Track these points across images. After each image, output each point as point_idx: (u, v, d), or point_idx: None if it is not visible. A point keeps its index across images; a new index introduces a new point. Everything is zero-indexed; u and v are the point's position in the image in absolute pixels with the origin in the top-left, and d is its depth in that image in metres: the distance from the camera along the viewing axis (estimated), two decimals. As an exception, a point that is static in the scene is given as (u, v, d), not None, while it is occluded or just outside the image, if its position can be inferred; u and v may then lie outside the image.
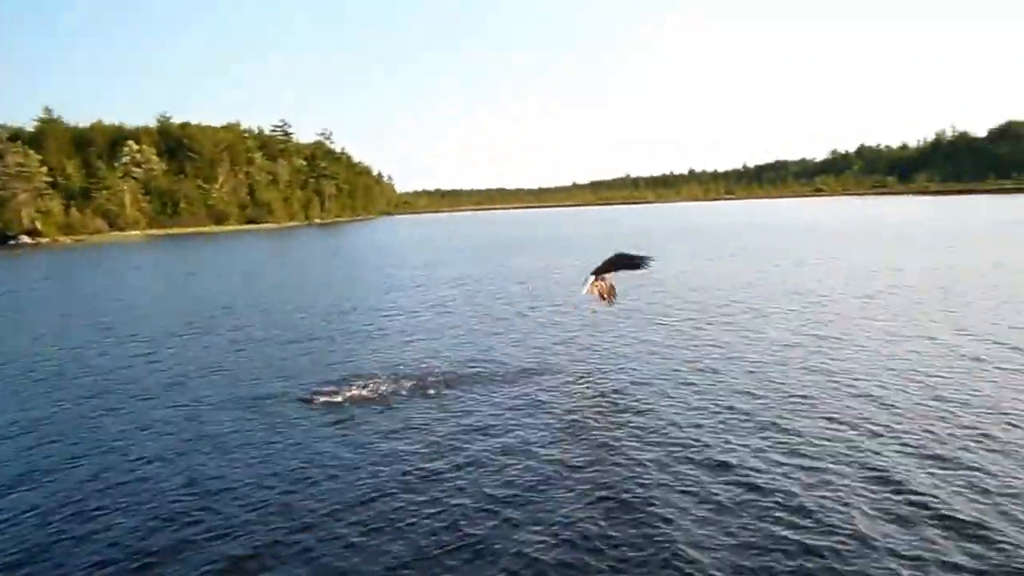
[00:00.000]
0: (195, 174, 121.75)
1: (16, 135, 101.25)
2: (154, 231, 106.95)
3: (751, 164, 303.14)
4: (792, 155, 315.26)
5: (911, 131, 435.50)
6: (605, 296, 13.49)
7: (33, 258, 63.18)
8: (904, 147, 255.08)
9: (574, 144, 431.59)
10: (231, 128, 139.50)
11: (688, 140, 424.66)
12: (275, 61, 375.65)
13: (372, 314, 20.92)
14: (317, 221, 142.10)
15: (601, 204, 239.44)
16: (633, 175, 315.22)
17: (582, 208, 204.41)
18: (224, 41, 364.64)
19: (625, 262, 12.96)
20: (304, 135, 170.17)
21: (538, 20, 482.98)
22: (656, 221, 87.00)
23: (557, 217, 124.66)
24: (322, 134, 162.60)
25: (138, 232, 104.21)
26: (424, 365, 13.57)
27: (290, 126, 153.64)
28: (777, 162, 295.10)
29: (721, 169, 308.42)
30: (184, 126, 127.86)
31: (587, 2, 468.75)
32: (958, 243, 36.30)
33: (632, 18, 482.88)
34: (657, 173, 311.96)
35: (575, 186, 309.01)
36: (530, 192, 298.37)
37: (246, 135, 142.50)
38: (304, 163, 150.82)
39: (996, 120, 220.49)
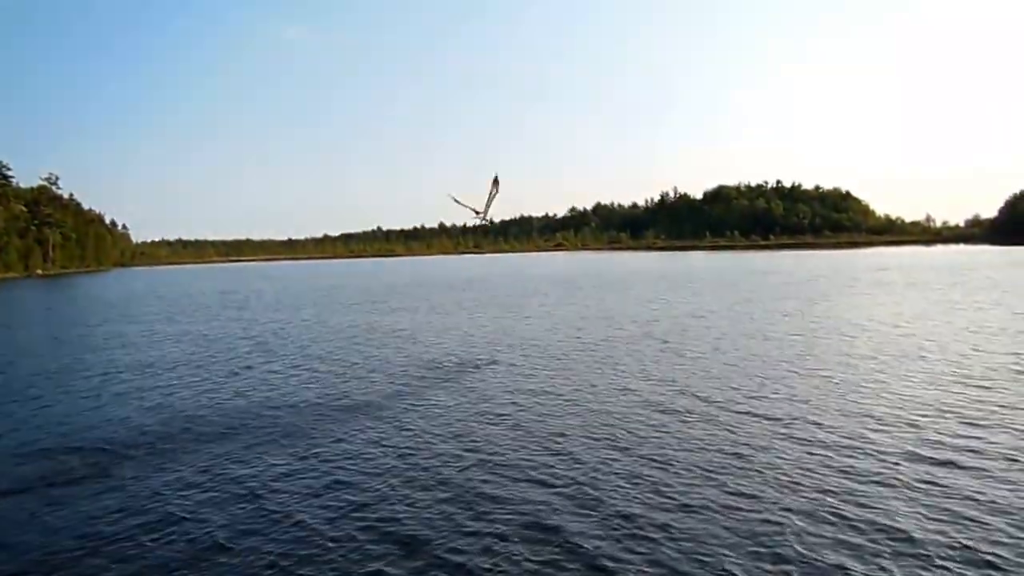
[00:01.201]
0: None
1: None
2: None
3: (498, 219, 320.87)
4: (536, 211, 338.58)
5: (640, 191, 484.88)
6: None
7: None
8: (635, 206, 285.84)
9: (325, 195, 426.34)
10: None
11: (436, 194, 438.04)
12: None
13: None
14: (39, 272, 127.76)
15: (353, 256, 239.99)
16: (384, 227, 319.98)
17: (335, 260, 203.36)
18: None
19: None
20: (26, 179, 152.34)
21: (291, 75, 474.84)
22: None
23: (315, 271, 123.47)
24: (47, 179, 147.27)
25: None
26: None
27: (9, 168, 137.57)
28: (522, 217, 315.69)
29: (469, 223, 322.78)
30: None
31: (345, 65, 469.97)
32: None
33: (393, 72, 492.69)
34: (408, 226, 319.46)
35: (326, 238, 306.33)
36: (280, 243, 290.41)
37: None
38: (24, 209, 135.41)
39: (709, 184, 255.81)
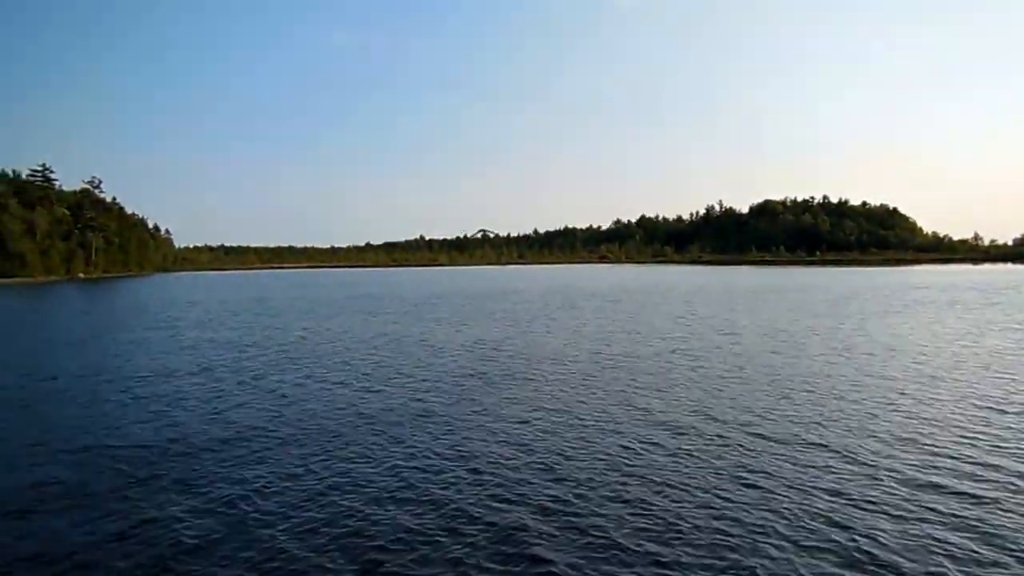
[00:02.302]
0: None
1: None
2: None
3: (542, 230, 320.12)
4: (580, 223, 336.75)
5: (685, 205, 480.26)
6: None
7: None
8: (679, 219, 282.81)
9: (368, 204, 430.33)
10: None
11: (481, 205, 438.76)
12: (36, 101, 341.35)
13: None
14: (81, 276, 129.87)
15: (395, 265, 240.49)
16: (428, 237, 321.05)
17: (378, 269, 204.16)
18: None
19: None
20: (69, 182, 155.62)
21: (341, 83, 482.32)
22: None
23: (362, 278, 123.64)
24: (90, 182, 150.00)
25: None
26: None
27: (52, 171, 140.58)
28: (566, 229, 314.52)
29: (514, 234, 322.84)
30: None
31: (389, 73, 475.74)
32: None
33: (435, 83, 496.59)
34: (451, 236, 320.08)
35: (369, 246, 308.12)
36: (322, 251, 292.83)
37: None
38: (68, 212, 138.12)
39: (755, 199, 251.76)
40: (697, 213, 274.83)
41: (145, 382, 19.98)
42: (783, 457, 11.59)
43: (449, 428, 14.14)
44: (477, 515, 9.34)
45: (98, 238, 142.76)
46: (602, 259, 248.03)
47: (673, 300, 51.80)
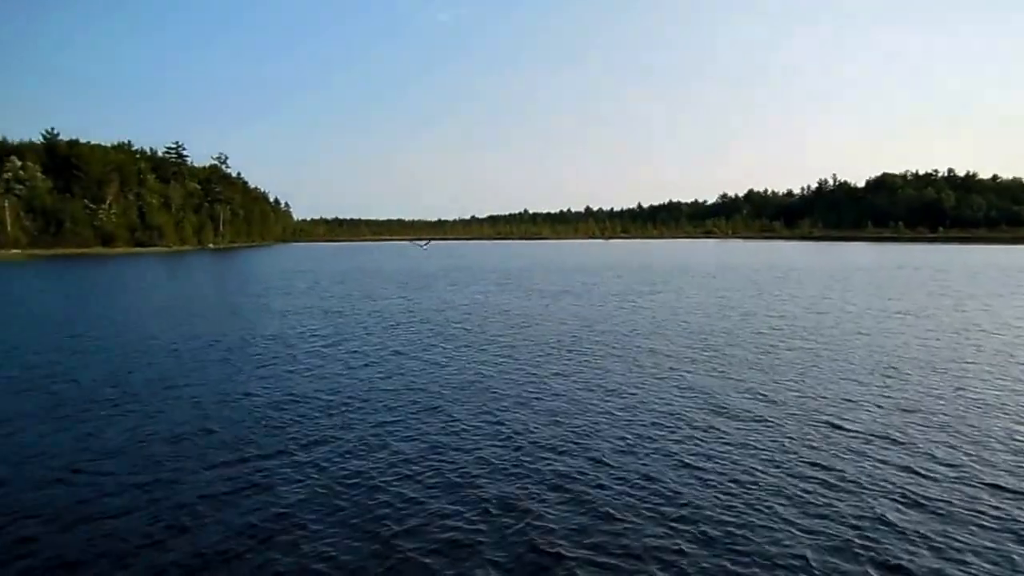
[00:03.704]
0: (82, 194, 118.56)
1: None
2: (36, 251, 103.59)
3: (645, 204, 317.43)
4: (685, 197, 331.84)
5: (796, 179, 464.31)
6: None
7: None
8: (789, 194, 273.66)
9: (473, 178, 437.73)
10: (122, 148, 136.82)
11: (585, 179, 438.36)
12: (172, 81, 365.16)
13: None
14: (211, 246, 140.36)
15: (499, 238, 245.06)
16: (531, 210, 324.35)
17: (489, 242, 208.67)
18: (118, 57, 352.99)
19: None
20: (199, 158, 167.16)
21: (445, 57, 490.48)
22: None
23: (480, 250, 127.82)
24: (218, 158, 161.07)
25: (18, 251, 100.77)
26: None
27: (184, 148, 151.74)
28: (671, 203, 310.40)
29: (616, 208, 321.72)
30: (73, 144, 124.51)
31: (497, 51, 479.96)
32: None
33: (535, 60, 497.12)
34: (554, 210, 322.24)
35: (473, 219, 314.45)
36: (429, 224, 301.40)
37: (138, 156, 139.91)
38: (198, 187, 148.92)
39: (872, 172, 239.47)
40: (809, 187, 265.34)
41: (264, 342, 22.24)
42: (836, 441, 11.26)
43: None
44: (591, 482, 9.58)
45: (225, 210, 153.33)
46: (707, 234, 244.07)
47: (770, 277, 51.86)
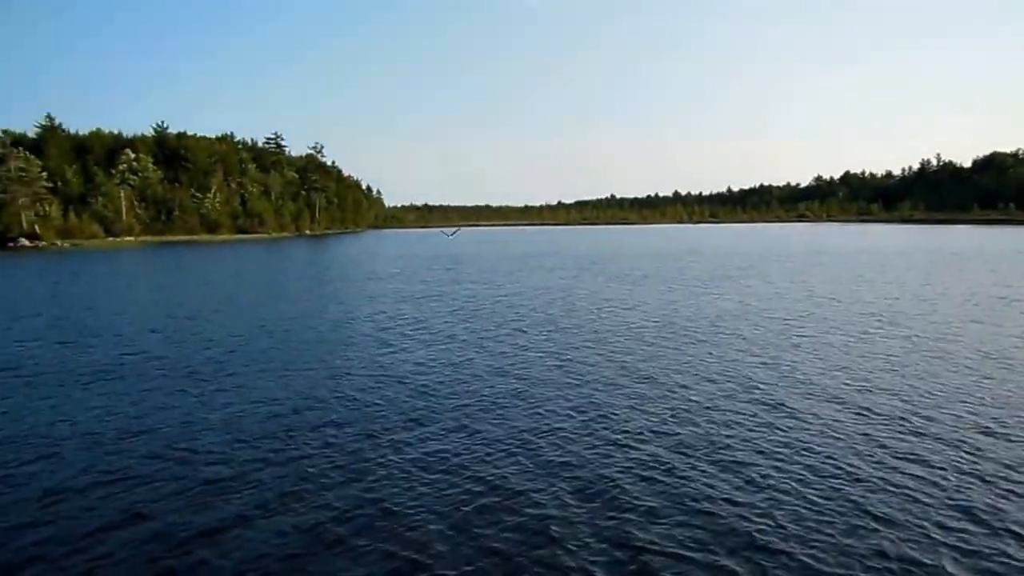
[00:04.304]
0: (189, 183, 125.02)
1: (18, 140, 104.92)
2: (148, 238, 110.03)
3: (735, 188, 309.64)
4: (776, 180, 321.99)
5: (895, 159, 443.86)
6: None
7: (32, 260, 66.35)
8: (888, 175, 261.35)
9: (559, 163, 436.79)
10: (225, 139, 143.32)
11: (673, 162, 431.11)
12: (271, 75, 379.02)
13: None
14: (307, 233, 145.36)
15: (586, 223, 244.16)
16: (618, 195, 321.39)
17: (575, 228, 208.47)
18: (223, 55, 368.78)
19: None
20: (296, 148, 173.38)
21: (533, 45, 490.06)
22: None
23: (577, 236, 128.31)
24: (313, 148, 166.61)
25: (132, 238, 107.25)
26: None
27: (283, 139, 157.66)
28: (761, 187, 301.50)
29: (705, 192, 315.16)
30: (181, 136, 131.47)
31: (584, 36, 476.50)
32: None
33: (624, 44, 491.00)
34: (641, 195, 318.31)
35: (560, 205, 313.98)
36: (516, 210, 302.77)
37: (240, 147, 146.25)
38: (296, 175, 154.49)
39: (981, 151, 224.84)
40: (910, 168, 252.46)
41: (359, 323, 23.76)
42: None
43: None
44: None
45: (321, 198, 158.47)
46: (800, 217, 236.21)
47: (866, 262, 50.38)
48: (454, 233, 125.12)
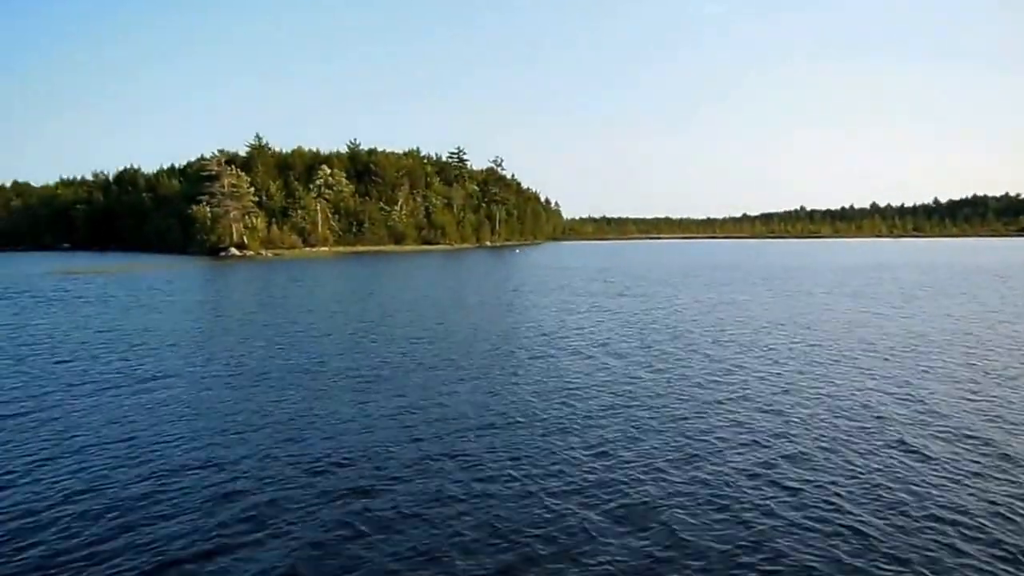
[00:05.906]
0: (378, 197, 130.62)
1: (231, 159, 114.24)
2: (340, 248, 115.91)
3: (943, 199, 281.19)
4: (993, 190, 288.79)
5: None
6: None
7: (243, 267, 70.98)
8: None
9: (743, 173, 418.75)
10: (412, 154, 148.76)
11: (869, 172, 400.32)
12: (453, 94, 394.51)
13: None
14: (488, 244, 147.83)
15: (773, 237, 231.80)
16: (808, 207, 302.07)
17: (767, 241, 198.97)
18: (408, 77, 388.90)
19: None
20: (477, 162, 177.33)
21: (712, 51, 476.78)
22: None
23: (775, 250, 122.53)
24: (494, 161, 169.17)
25: (326, 248, 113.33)
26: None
27: (465, 153, 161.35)
28: (975, 197, 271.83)
29: (908, 203, 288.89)
30: (371, 152, 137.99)
31: (768, 43, 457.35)
32: None
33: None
34: (834, 207, 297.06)
35: (745, 217, 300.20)
36: (697, 222, 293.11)
37: (425, 161, 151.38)
38: (477, 188, 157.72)
39: None
40: None
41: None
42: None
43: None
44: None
45: (500, 211, 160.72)
46: (1022, 231, 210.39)
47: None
48: (520, 251, 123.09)
